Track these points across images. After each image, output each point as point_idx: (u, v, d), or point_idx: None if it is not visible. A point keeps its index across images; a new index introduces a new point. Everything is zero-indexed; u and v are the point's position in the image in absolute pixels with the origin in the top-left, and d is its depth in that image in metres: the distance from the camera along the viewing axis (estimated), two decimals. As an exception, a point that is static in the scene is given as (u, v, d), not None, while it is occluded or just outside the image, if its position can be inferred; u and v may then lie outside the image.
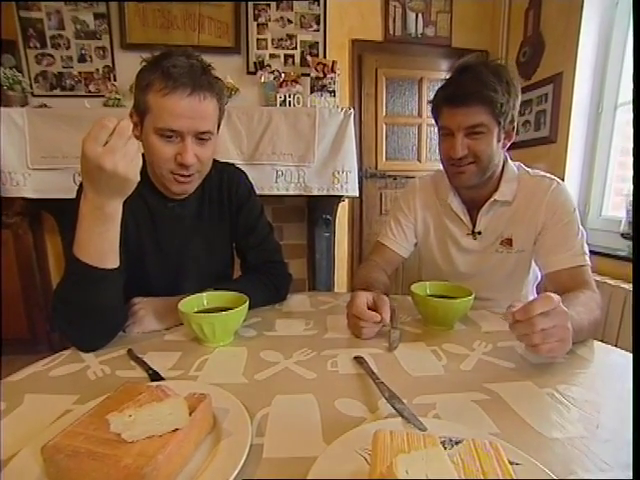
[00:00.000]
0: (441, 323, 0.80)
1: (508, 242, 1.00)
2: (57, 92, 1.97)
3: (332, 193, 2.07)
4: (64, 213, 2.01)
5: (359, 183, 2.19)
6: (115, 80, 1.97)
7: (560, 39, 2.00)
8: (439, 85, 0.96)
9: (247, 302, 0.76)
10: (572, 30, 1.92)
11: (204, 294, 0.80)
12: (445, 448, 0.39)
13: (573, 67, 1.93)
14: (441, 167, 1.03)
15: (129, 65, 2.02)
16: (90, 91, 1.98)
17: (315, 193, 2.07)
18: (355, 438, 0.45)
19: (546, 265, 0.94)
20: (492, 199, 0.98)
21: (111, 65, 2.00)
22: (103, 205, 0.62)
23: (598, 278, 1.66)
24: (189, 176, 0.83)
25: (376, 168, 2.53)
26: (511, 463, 0.37)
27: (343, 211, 2.52)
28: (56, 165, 1.82)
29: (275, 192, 2.03)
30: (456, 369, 0.64)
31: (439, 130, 0.97)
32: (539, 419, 0.50)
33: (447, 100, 0.91)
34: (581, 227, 0.93)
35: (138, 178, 0.62)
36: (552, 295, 0.58)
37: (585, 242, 0.92)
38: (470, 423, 0.49)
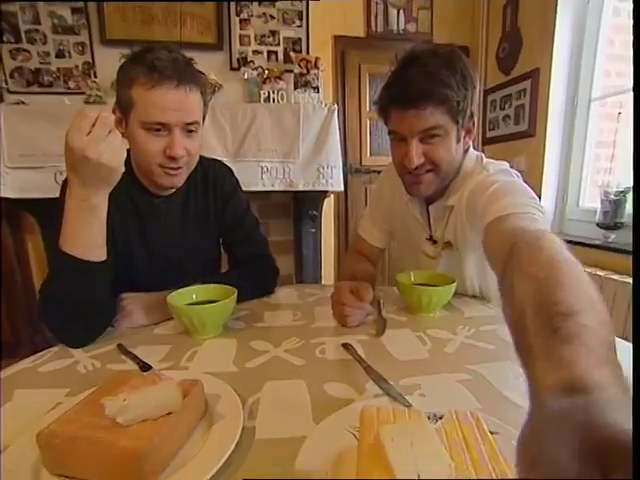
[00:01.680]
0: (425, 310, 0.83)
1: (448, 244, 0.93)
2: (35, 89, 1.92)
3: (317, 188, 2.09)
4: (45, 213, 1.97)
5: (344, 178, 2.21)
6: (95, 77, 1.93)
7: (536, 36, 2.06)
8: (386, 81, 0.82)
9: (235, 294, 0.77)
10: (548, 27, 1.98)
11: (193, 287, 0.80)
12: (429, 421, 0.41)
13: (549, 63, 1.98)
14: None
15: (109, 61, 1.96)
16: (70, 88, 1.94)
17: (300, 189, 2.09)
18: (344, 417, 0.46)
19: (482, 224, 0.71)
20: (437, 204, 0.91)
21: (91, 61, 1.96)
22: (89, 196, 0.63)
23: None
24: (178, 168, 0.83)
25: (360, 163, 2.55)
26: (491, 433, 0.39)
27: (329, 206, 2.54)
28: (36, 163, 1.78)
29: (261, 188, 2.04)
30: (440, 352, 0.67)
31: (389, 134, 0.85)
32: (518, 394, 0.53)
33: (394, 101, 0.79)
34: (532, 196, 0.73)
35: (123, 168, 0.63)
36: None
37: (537, 203, 0.70)
38: (454, 400, 0.52)
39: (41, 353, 0.70)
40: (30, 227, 2.19)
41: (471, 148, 0.90)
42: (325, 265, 2.53)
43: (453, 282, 0.83)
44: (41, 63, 1.93)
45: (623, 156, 1.93)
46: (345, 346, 0.68)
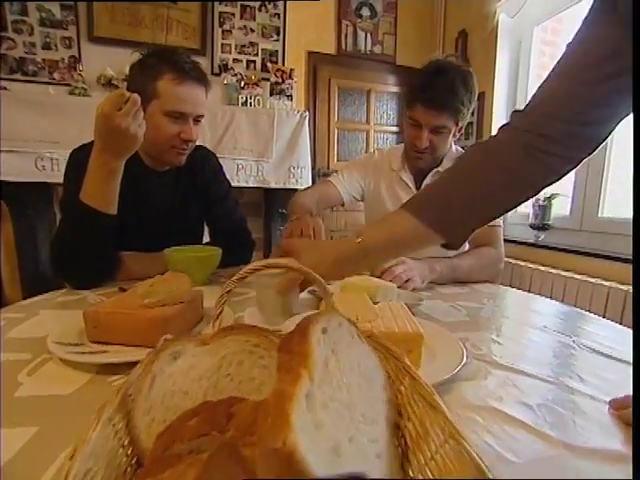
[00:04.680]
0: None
1: None
2: (18, 76, 1.97)
3: (288, 186, 2.27)
4: (19, 200, 2.01)
5: (312, 181, 2.41)
6: (82, 70, 2.02)
7: (482, 65, 2.38)
8: (416, 79, 1.11)
9: (220, 251, 0.92)
10: (490, 60, 2.31)
11: (185, 247, 0.95)
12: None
13: (492, 88, 2.31)
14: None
15: (96, 57, 2.08)
16: (54, 78, 2.00)
17: (273, 186, 2.26)
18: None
19: None
20: (435, 170, 1.20)
21: (77, 56, 2.04)
22: (110, 161, 0.77)
23: (512, 261, 2.01)
24: (187, 149, 1.00)
25: (328, 168, 2.76)
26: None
27: (298, 207, 2.71)
28: (14, 148, 1.83)
29: (235, 184, 2.18)
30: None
31: (408, 118, 1.13)
32: (442, 315, 0.72)
33: (423, 101, 1.06)
34: None
35: (142, 139, 0.78)
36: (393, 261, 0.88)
37: None
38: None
39: (50, 293, 0.82)
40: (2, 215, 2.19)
41: None
42: (293, 261, 2.68)
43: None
44: (26, 53, 1.98)
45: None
46: (310, 292, 0.85)
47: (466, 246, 1.31)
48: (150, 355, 0.30)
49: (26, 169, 1.85)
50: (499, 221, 1.15)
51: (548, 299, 0.93)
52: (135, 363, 0.30)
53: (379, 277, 0.86)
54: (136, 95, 0.74)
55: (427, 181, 1.23)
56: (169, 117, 0.93)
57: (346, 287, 0.77)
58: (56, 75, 1.99)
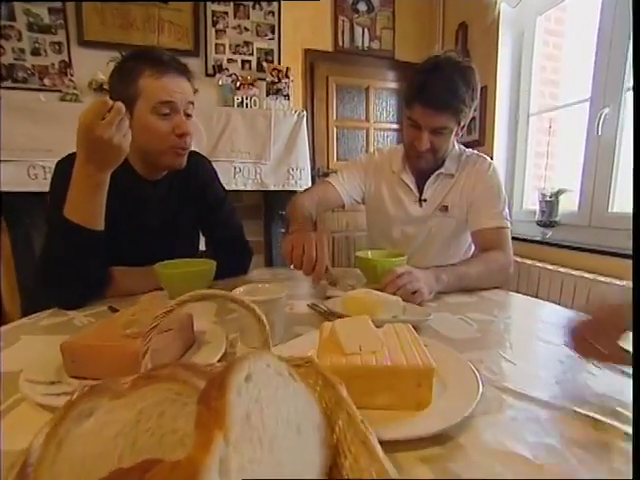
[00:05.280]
0: (379, 281, 0.96)
1: (445, 208, 1.17)
2: (8, 84, 1.93)
3: (287, 188, 2.22)
4: (14, 209, 1.97)
5: (312, 181, 2.36)
6: (72, 76, 1.97)
7: (483, 58, 2.32)
8: (414, 77, 1.04)
9: (214, 264, 0.87)
10: (492, 52, 2.25)
11: (177, 260, 0.90)
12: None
13: (494, 82, 2.24)
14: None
15: (87, 61, 2.03)
16: (45, 85, 1.96)
17: (271, 189, 2.21)
18: (308, 337, 0.58)
19: (472, 224, 1.13)
20: (438, 172, 1.15)
21: (67, 60, 1.99)
22: (95, 174, 0.72)
23: (519, 260, 1.95)
24: (184, 149, 0.94)
25: (328, 167, 2.71)
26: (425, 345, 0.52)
27: (298, 208, 2.67)
28: (7, 157, 1.79)
29: (233, 187, 2.14)
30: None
31: (407, 119, 1.07)
32: (451, 330, 0.68)
33: (420, 100, 1.00)
34: (506, 200, 1.13)
35: (128, 150, 0.73)
36: (396, 268, 0.84)
37: (507, 213, 1.11)
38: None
39: (37, 314, 0.78)
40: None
41: None
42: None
43: (403, 256, 0.98)
44: (15, 59, 1.94)
45: (556, 165, 2.21)
46: (311, 306, 0.81)
47: (471, 248, 1.27)
48: (55, 416, 0.26)
49: (18, 178, 1.81)
50: (507, 222, 1.10)
51: (562, 307, 0.87)
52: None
53: (383, 289, 0.81)
54: (120, 103, 0.69)
55: (429, 183, 1.18)
56: (157, 115, 0.88)
57: (348, 302, 0.72)
58: (47, 81, 1.95)
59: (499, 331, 0.70)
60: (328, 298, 0.82)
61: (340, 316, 0.72)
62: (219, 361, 0.54)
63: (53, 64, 1.98)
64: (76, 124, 0.69)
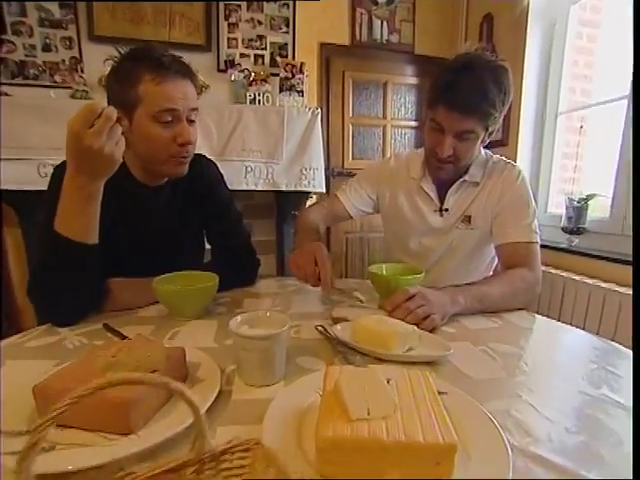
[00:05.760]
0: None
1: (467, 219, 1.08)
2: (19, 80, 1.91)
3: (299, 189, 2.15)
4: (27, 206, 1.96)
5: (326, 181, 2.28)
6: (83, 72, 1.94)
7: (509, 52, 2.18)
8: (440, 76, 0.94)
9: (217, 279, 0.82)
10: (519, 45, 2.11)
11: (177, 273, 0.85)
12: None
13: (520, 78, 2.11)
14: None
15: (97, 57, 1.98)
16: (56, 81, 1.93)
17: (283, 189, 2.14)
18: (312, 380, 0.52)
19: (498, 237, 1.03)
20: (462, 179, 1.06)
21: (78, 56, 1.96)
22: (86, 184, 0.67)
23: (543, 268, 1.84)
24: (186, 157, 0.89)
25: (343, 167, 2.63)
26: (440, 393, 0.45)
27: (311, 208, 2.60)
28: (18, 155, 1.78)
29: (244, 187, 2.08)
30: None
31: (430, 121, 0.97)
32: (472, 367, 0.60)
33: (445, 100, 0.91)
34: (535, 211, 1.03)
35: (121, 160, 0.67)
36: (407, 288, 0.77)
37: (537, 226, 1.01)
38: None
39: (28, 331, 0.73)
40: (9, 221, 2.16)
41: None
42: (306, 265, 2.58)
43: (420, 273, 0.90)
44: (27, 56, 1.92)
45: (586, 167, 2.07)
46: (318, 328, 0.74)
47: (494, 262, 1.18)
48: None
49: (28, 177, 1.79)
50: (536, 236, 0.99)
51: (597, 338, 0.78)
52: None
53: (391, 312, 0.74)
54: (110, 108, 0.63)
55: (451, 192, 1.08)
56: (159, 122, 0.82)
57: (359, 331, 0.66)
58: (57, 77, 1.93)
59: (526, 370, 0.62)
60: (336, 322, 0.75)
61: (349, 347, 0.66)
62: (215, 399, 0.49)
63: (64, 60, 1.95)
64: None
